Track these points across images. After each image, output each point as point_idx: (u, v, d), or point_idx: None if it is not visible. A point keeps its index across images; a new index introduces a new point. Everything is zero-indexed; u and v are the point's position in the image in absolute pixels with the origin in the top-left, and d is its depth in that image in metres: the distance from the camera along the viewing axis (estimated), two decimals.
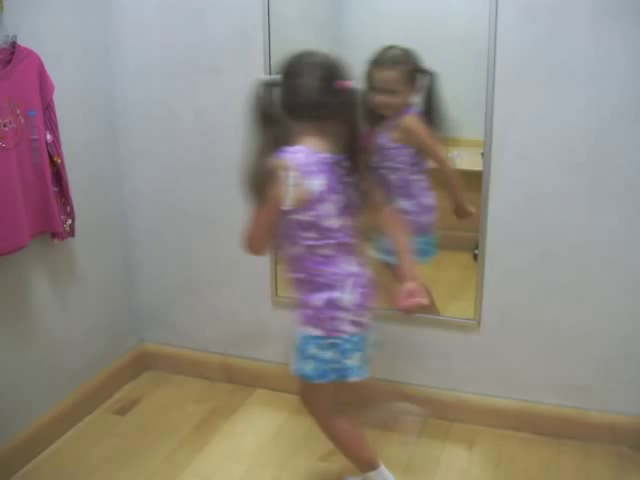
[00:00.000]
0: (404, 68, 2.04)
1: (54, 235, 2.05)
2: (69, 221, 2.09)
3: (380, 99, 2.05)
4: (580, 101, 1.91)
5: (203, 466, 2.07)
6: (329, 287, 1.64)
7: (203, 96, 2.28)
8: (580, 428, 2.13)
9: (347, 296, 1.64)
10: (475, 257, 2.16)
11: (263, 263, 2.35)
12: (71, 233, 2.11)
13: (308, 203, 1.58)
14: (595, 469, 2.03)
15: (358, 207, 1.67)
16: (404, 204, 2.12)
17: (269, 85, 1.63)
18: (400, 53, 2.04)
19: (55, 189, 2.02)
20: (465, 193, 2.19)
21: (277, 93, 1.63)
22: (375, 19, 2.24)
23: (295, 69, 1.61)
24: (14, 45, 1.85)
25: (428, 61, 2.22)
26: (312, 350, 1.67)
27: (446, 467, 2.06)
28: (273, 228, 1.64)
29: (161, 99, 2.34)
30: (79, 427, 2.26)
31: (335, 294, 1.64)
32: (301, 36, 2.32)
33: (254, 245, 1.67)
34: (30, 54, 1.89)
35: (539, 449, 2.12)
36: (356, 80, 1.66)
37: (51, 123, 1.98)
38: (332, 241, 1.63)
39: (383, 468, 1.84)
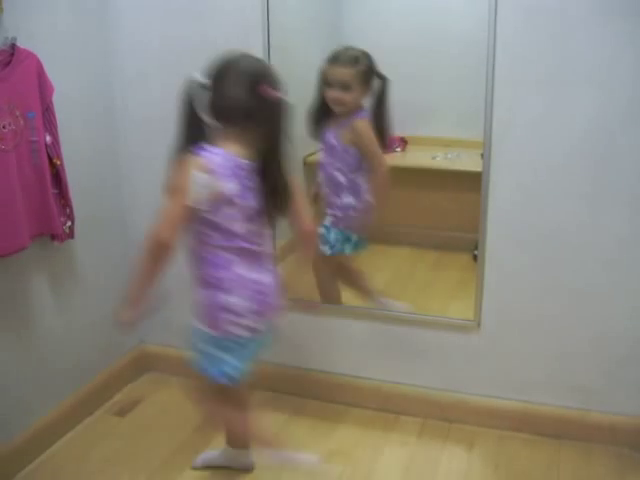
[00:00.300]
0: (360, 67, 2.11)
1: (54, 237, 2.05)
2: (69, 223, 2.09)
3: (333, 94, 2.11)
4: (580, 102, 1.91)
5: (204, 467, 2.07)
6: (218, 288, 1.68)
7: None
8: (581, 429, 2.13)
9: (235, 300, 1.67)
10: (475, 258, 2.16)
11: None
12: (71, 235, 2.11)
13: (215, 204, 1.60)
14: (596, 470, 2.02)
15: (271, 216, 1.72)
16: (351, 201, 2.22)
17: (198, 84, 1.63)
18: (358, 53, 2.11)
19: (54, 191, 2.02)
20: (463, 194, 2.22)
21: (205, 94, 1.64)
22: (375, 20, 2.25)
23: (222, 72, 1.62)
24: (13, 47, 1.85)
25: (428, 62, 2.23)
26: (199, 343, 1.73)
27: (446, 468, 2.05)
28: (181, 223, 1.62)
29: (160, 100, 2.32)
30: (79, 428, 2.25)
31: (222, 296, 1.67)
32: (301, 37, 2.32)
33: (159, 237, 1.60)
34: (29, 56, 1.89)
35: (539, 450, 2.12)
36: (284, 89, 1.66)
37: (50, 125, 1.98)
38: (234, 245, 1.66)
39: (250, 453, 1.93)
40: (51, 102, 1.97)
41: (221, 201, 1.61)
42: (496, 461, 2.08)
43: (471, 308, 2.16)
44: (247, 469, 2.02)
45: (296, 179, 1.75)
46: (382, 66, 2.13)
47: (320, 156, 2.26)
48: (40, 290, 2.11)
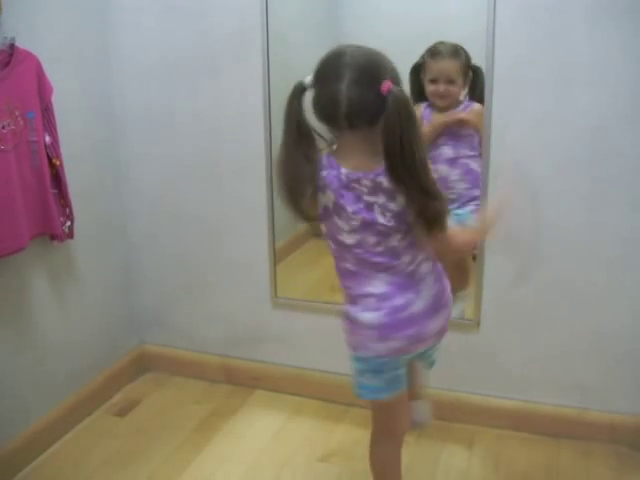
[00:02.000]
0: (462, 59, 2.10)
1: (53, 237, 2.05)
2: (68, 223, 2.09)
3: (439, 88, 2.11)
4: (579, 101, 1.91)
5: (203, 467, 2.07)
6: (350, 301, 1.55)
7: (202, 97, 2.28)
8: (580, 428, 2.13)
9: (364, 314, 1.51)
10: (474, 257, 2.16)
11: (262, 264, 2.35)
12: (70, 235, 2.11)
13: (323, 215, 1.46)
14: (595, 469, 2.02)
15: (395, 228, 1.44)
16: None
17: (307, 89, 1.40)
18: (457, 46, 2.10)
19: (54, 191, 2.02)
20: None
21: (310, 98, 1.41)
22: (374, 19, 2.24)
23: (329, 68, 1.37)
24: (13, 47, 1.85)
25: None
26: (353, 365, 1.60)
27: (446, 467, 2.05)
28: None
29: (160, 100, 2.34)
30: (79, 429, 2.25)
31: (352, 309, 1.54)
32: (300, 36, 2.32)
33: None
34: (29, 56, 1.89)
35: (539, 449, 2.12)
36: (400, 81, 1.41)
37: (50, 125, 1.98)
38: (349, 255, 1.48)
39: None
40: (50, 102, 1.98)
41: (327, 212, 1.45)
42: (495, 460, 2.08)
43: (470, 307, 2.17)
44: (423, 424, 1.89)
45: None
46: None
47: (440, 152, 2.16)
48: (40, 290, 2.11)
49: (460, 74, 2.10)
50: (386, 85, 1.32)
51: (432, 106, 2.16)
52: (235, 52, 2.21)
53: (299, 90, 1.39)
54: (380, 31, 2.16)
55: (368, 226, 1.43)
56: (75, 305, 2.26)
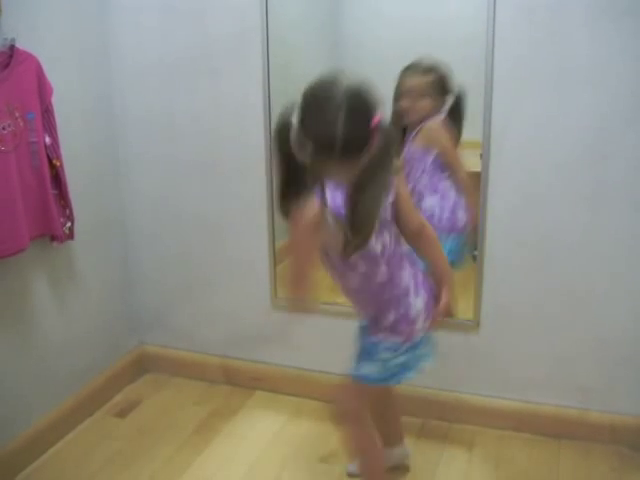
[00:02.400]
0: (431, 76, 2.09)
1: (53, 238, 2.05)
2: (68, 224, 2.09)
3: (402, 104, 2.09)
4: (579, 101, 1.91)
5: (203, 468, 2.07)
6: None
7: (202, 98, 2.28)
8: (580, 428, 2.13)
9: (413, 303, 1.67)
10: (474, 258, 2.16)
11: (263, 264, 2.35)
12: (70, 236, 2.11)
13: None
14: (596, 469, 2.02)
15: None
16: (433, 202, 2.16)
17: (288, 128, 1.40)
18: (432, 63, 2.09)
19: (54, 192, 2.02)
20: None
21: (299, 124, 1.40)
22: (374, 20, 2.24)
23: (320, 110, 1.38)
24: (13, 48, 1.85)
25: None
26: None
27: (446, 468, 2.05)
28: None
29: (160, 101, 2.34)
30: (79, 430, 2.25)
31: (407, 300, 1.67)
32: (300, 38, 2.32)
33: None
34: (29, 57, 1.90)
35: (539, 450, 2.12)
36: (382, 108, 1.44)
37: (50, 126, 1.98)
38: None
39: None
40: (50, 103, 1.98)
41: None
42: (496, 461, 2.08)
43: (470, 308, 2.16)
44: (405, 463, 2.02)
45: (400, 181, 1.61)
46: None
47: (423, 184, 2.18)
48: (40, 291, 2.11)
49: (430, 91, 2.09)
50: (376, 120, 1.39)
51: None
52: (235, 53, 2.21)
53: (286, 128, 1.40)
54: (380, 33, 2.17)
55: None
56: (75, 306, 2.26)
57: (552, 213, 2.02)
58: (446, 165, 2.15)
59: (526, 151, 1.99)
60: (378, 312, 1.68)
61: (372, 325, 1.70)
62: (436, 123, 2.12)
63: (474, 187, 2.11)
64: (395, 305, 1.65)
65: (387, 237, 1.60)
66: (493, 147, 2.01)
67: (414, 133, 2.14)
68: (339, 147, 1.36)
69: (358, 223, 1.47)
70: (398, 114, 2.10)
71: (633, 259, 1.98)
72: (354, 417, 1.77)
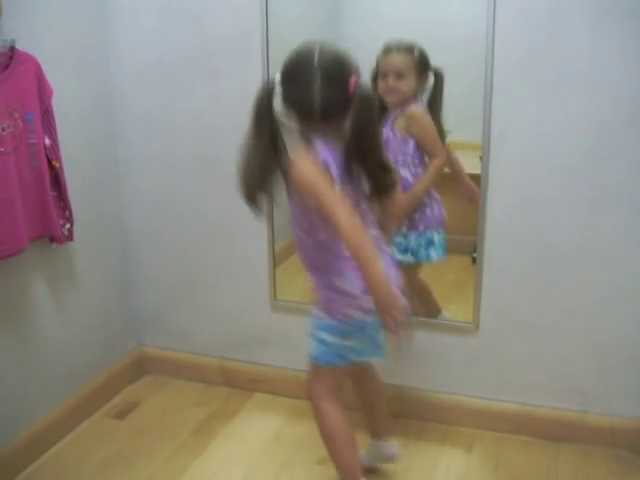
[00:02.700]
0: (415, 55, 2.07)
1: (53, 239, 2.05)
2: (68, 225, 2.09)
3: (386, 83, 2.07)
4: (578, 104, 1.91)
5: (202, 470, 2.07)
6: (330, 272, 1.68)
7: (201, 99, 2.28)
8: (579, 431, 2.13)
9: (346, 282, 1.64)
10: (474, 260, 2.16)
11: (262, 266, 2.35)
12: (70, 237, 2.11)
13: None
14: (594, 472, 2.02)
15: (372, 200, 1.69)
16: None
17: (272, 88, 1.59)
18: (412, 43, 2.07)
19: (54, 193, 2.02)
20: (462, 196, 2.21)
21: (281, 93, 1.58)
22: (374, 21, 2.24)
23: (301, 67, 1.56)
24: (12, 49, 1.85)
25: None
26: (317, 332, 1.74)
27: (445, 471, 2.05)
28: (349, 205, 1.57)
29: (159, 102, 2.34)
30: (78, 430, 2.25)
31: (334, 280, 1.66)
32: (300, 38, 2.32)
33: (354, 229, 1.53)
34: (28, 58, 1.90)
35: (538, 452, 2.12)
36: (360, 74, 1.59)
37: (49, 127, 1.98)
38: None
39: None
40: (50, 104, 1.98)
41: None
42: (495, 463, 2.08)
43: (470, 310, 2.16)
44: (392, 459, 1.99)
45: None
46: None
47: None
48: (39, 292, 2.11)
49: (412, 70, 2.06)
50: (353, 83, 1.54)
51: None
52: (235, 54, 2.21)
53: (270, 88, 1.58)
54: (380, 34, 2.16)
55: (354, 196, 1.63)
56: (74, 307, 2.26)
57: (552, 216, 2.02)
58: (426, 153, 2.13)
59: (526, 154, 1.99)
60: (314, 281, 1.71)
61: (314, 296, 1.73)
62: (420, 108, 2.10)
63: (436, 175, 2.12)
64: (330, 279, 1.66)
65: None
66: (493, 149, 2.01)
67: (395, 116, 2.11)
68: (319, 112, 1.54)
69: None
70: (378, 94, 2.06)
71: (632, 262, 1.98)
72: (317, 399, 1.78)
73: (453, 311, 2.25)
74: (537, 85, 1.94)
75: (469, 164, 2.16)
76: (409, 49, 2.06)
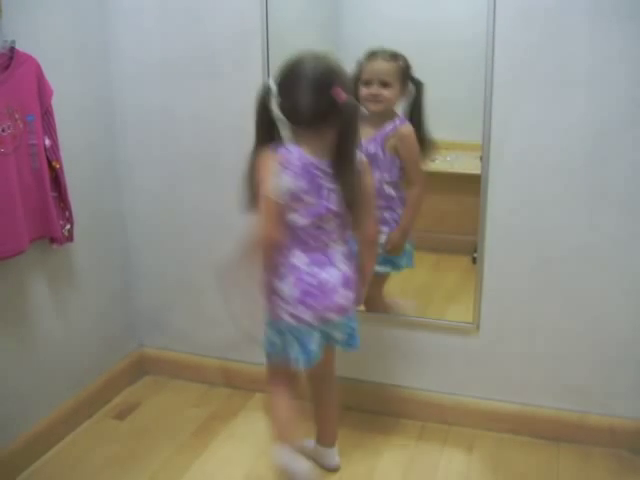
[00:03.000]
0: (400, 63, 2.06)
1: (53, 240, 2.05)
2: (68, 226, 2.09)
3: (371, 90, 2.05)
4: (578, 104, 1.91)
5: (203, 470, 2.07)
6: (274, 274, 1.75)
7: (202, 100, 2.28)
8: (579, 431, 2.13)
9: (284, 287, 1.73)
10: (474, 260, 2.16)
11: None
12: (70, 238, 2.11)
13: (284, 197, 1.67)
14: (595, 473, 2.02)
15: (339, 213, 1.73)
16: (389, 216, 2.15)
17: (270, 90, 1.69)
18: (396, 52, 2.06)
19: (54, 194, 2.02)
20: (462, 196, 2.22)
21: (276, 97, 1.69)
22: (374, 22, 2.24)
23: (291, 78, 1.66)
24: (13, 50, 1.85)
25: (427, 64, 2.23)
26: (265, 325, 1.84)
27: (445, 471, 2.05)
28: (277, 216, 1.68)
29: (160, 103, 2.34)
30: (78, 432, 2.25)
31: (276, 282, 1.75)
32: (300, 40, 2.32)
33: (262, 237, 1.69)
34: (29, 59, 1.89)
35: (538, 453, 2.12)
36: (350, 86, 1.71)
37: (49, 128, 1.98)
38: (296, 237, 1.72)
39: (289, 451, 1.84)
40: (50, 105, 1.98)
41: (289, 196, 1.67)
42: (495, 464, 2.08)
43: (470, 311, 2.16)
44: (330, 469, 2.04)
45: (371, 180, 1.80)
46: None
47: None
48: (39, 293, 2.10)
49: (396, 79, 2.04)
50: (340, 95, 1.62)
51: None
52: (235, 55, 2.21)
53: (267, 93, 1.69)
54: (380, 35, 2.17)
55: (318, 207, 1.70)
56: (75, 308, 2.26)
57: (552, 216, 2.02)
58: (406, 175, 2.12)
59: (526, 154, 2.00)
60: (264, 277, 1.77)
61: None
62: (410, 129, 2.09)
63: (419, 206, 2.14)
64: (272, 279, 1.75)
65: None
66: (493, 150, 2.01)
67: (386, 134, 2.09)
68: (303, 121, 1.67)
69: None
70: (363, 100, 2.05)
71: (632, 263, 1.99)
72: (268, 386, 1.91)
73: (454, 311, 2.25)
74: (537, 85, 1.94)
75: (469, 164, 2.16)
76: (394, 57, 2.06)
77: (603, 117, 1.90)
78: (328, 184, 1.69)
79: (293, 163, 1.66)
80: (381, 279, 2.21)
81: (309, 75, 1.63)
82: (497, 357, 2.18)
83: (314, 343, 1.79)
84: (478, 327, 2.17)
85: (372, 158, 2.04)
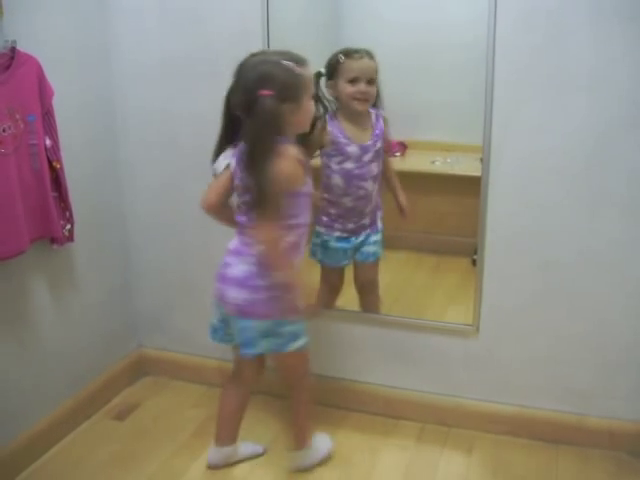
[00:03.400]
0: (376, 62, 2.08)
1: (53, 240, 2.05)
2: (68, 226, 2.09)
3: (360, 88, 2.06)
4: (579, 107, 1.91)
5: (202, 471, 2.07)
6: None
7: (202, 100, 2.28)
8: (579, 434, 2.13)
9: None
10: (474, 262, 2.16)
11: None
12: (70, 238, 2.11)
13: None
14: (594, 475, 2.02)
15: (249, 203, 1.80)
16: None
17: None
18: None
19: (54, 194, 2.02)
20: (462, 198, 2.23)
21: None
22: (374, 24, 2.25)
23: (238, 74, 1.77)
24: (14, 50, 1.85)
25: (427, 67, 2.23)
26: None
27: (444, 473, 2.05)
28: (225, 192, 1.88)
29: (160, 104, 2.34)
30: (78, 432, 2.25)
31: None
32: (301, 41, 2.32)
33: (204, 202, 1.91)
34: (29, 59, 1.89)
35: (537, 455, 2.12)
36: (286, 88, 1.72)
37: (50, 128, 1.98)
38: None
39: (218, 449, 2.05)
40: (51, 105, 1.98)
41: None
42: (494, 466, 2.08)
43: (470, 313, 2.16)
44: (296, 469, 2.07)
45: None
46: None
47: (343, 165, 2.14)
48: (40, 293, 2.11)
49: (377, 76, 2.08)
50: (261, 93, 1.67)
51: (341, 114, 2.11)
52: (236, 56, 2.19)
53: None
54: (381, 36, 2.17)
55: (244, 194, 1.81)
56: (75, 308, 2.26)
57: (552, 218, 2.02)
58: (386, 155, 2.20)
59: (526, 156, 1.99)
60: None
61: None
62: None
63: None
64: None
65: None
66: (493, 152, 2.01)
67: (380, 125, 2.14)
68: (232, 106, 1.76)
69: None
70: (349, 98, 2.07)
71: (632, 266, 1.99)
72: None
73: (453, 313, 2.25)
74: (538, 88, 1.93)
75: (470, 166, 2.16)
76: (372, 55, 2.08)
77: (605, 120, 1.89)
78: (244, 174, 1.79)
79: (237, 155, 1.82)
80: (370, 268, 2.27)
81: (245, 73, 1.75)
82: (497, 359, 2.18)
83: (215, 318, 1.97)
84: (478, 329, 2.17)
85: (378, 154, 2.13)
